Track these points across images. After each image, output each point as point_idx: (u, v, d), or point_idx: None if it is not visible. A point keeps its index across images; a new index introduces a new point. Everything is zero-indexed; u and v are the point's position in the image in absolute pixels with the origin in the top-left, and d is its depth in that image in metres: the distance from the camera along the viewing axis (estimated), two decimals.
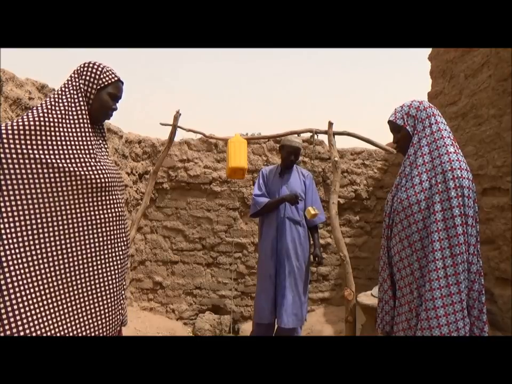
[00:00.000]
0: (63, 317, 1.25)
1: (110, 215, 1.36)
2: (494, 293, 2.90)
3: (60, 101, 1.30)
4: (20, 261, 1.16)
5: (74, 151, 1.28)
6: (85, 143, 1.32)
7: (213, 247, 4.39)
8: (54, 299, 1.23)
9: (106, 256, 1.35)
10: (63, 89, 1.34)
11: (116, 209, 1.39)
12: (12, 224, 1.15)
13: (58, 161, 1.23)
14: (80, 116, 1.32)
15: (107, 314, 1.37)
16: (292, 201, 2.80)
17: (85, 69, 1.37)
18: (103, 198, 1.34)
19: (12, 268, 1.14)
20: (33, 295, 1.19)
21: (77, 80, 1.35)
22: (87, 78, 1.36)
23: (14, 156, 1.16)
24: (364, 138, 2.95)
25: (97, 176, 1.31)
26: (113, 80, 1.40)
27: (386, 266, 1.66)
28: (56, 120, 1.26)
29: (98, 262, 1.33)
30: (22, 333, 1.17)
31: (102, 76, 1.37)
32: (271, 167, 3.21)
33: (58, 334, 1.25)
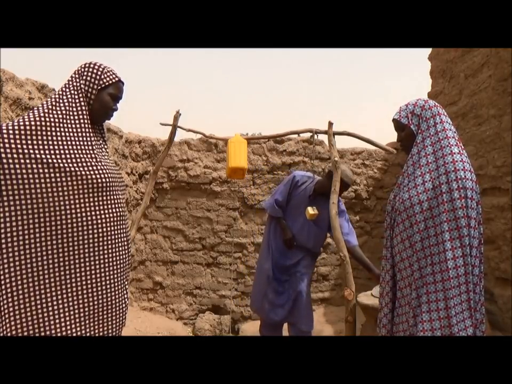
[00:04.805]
0: (62, 316, 1.25)
1: (110, 215, 1.36)
2: (494, 293, 2.91)
3: (61, 101, 1.30)
4: (17, 258, 1.16)
5: (75, 151, 1.28)
6: (85, 143, 1.32)
7: (213, 247, 4.39)
8: (54, 298, 1.23)
9: (107, 256, 1.35)
10: (64, 89, 1.34)
11: (117, 209, 1.39)
12: (9, 224, 1.15)
13: (59, 161, 1.24)
14: (80, 116, 1.32)
15: (108, 315, 1.37)
16: (286, 243, 2.78)
17: (86, 69, 1.37)
18: (104, 198, 1.34)
19: (6, 266, 1.14)
20: (32, 295, 1.19)
21: (77, 80, 1.35)
22: (88, 78, 1.36)
23: (15, 155, 1.16)
24: (363, 138, 2.94)
25: (97, 176, 1.31)
26: (114, 80, 1.40)
27: (389, 267, 1.64)
28: (57, 120, 1.26)
29: (99, 262, 1.33)
30: (20, 333, 1.17)
31: (102, 77, 1.38)
32: (305, 176, 2.93)
33: (57, 334, 1.25)
